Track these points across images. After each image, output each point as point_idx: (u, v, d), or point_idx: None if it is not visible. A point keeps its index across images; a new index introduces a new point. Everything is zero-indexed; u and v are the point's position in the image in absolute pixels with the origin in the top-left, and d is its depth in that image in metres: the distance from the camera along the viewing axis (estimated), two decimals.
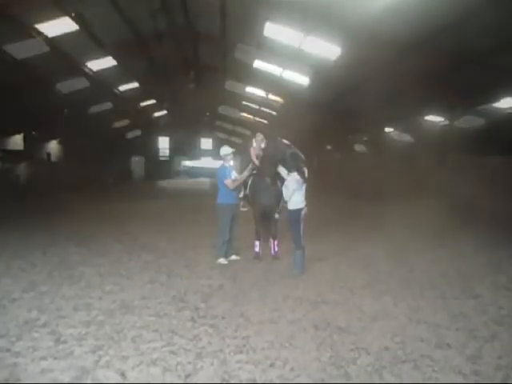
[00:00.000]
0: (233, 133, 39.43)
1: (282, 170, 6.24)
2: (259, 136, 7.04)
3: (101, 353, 3.38)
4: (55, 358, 3.27)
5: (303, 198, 5.92)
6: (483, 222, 10.18)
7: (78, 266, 6.11)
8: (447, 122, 14.87)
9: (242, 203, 7.03)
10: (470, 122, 13.14)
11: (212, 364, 3.24)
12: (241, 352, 3.46)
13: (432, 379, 3.07)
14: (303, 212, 5.89)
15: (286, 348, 3.54)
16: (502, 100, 12.84)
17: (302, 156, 6.03)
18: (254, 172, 6.81)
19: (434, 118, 16.10)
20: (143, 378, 3.04)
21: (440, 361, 3.33)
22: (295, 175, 5.81)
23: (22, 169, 18.17)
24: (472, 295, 4.97)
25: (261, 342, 3.63)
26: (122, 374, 3.06)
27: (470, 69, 11.76)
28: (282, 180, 6.18)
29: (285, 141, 6.28)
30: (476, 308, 4.53)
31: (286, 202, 6.03)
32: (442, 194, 13.25)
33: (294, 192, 5.78)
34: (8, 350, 3.39)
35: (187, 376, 3.07)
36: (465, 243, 8.12)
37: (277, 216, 6.70)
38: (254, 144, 7.15)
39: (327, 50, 14.73)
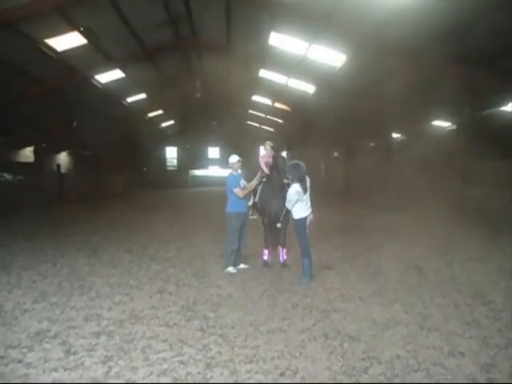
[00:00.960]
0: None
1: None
2: (268, 144, 7.06)
3: (111, 364, 3.39)
4: (66, 369, 3.28)
5: (308, 206, 5.90)
6: (496, 226, 10.04)
7: (88, 276, 6.14)
8: (455, 127, 14.79)
9: (250, 211, 7.03)
10: (477, 125, 13.04)
11: (222, 374, 3.23)
12: (251, 362, 3.44)
13: None
14: (308, 219, 5.87)
15: (297, 357, 3.51)
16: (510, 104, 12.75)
17: (304, 166, 5.96)
18: (264, 180, 6.82)
19: (442, 123, 16.03)
20: None
21: (453, 369, 3.27)
22: (297, 186, 5.77)
23: (32, 180, 18.41)
24: (484, 302, 4.89)
25: (271, 352, 3.61)
26: None
27: (476, 72, 11.73)
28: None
29: (283, 154, 6.23)
30: (489, 315, 4.46)
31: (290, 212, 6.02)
32: (453, 198, 13.14)
33: (297, 202, 5.78)
34: (20, 361, 3.42)
35: None
36: (476, 248, 8.02)
37: (278, 225, 6.55)
38: (264, 152, 7.17)
39: (332, 57, 14.83)
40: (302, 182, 5.80)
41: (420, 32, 10.84)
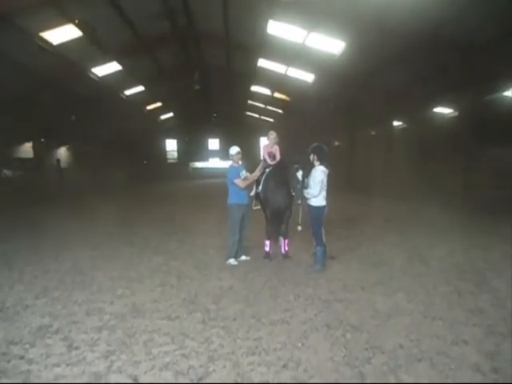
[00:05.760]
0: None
1: (299, 174, 5.94)
2: (272, 134, 6.95)
3: (113, 358, 3.38)
4: (68, 365, 3.27)
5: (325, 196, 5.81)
6: (499, 213, 9.98)
7: (90, 270, 6.13)
8: (457, 114, 14.63)
9: (253, 202, 6.96)
10: (479, 112, 12.87)
11: (224, 367, 3.22)
12: (253, 354, 3.42)
13: (449, 378, 2.99)
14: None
15: (299, 348, 3.50)
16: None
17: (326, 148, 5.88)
18: (267, 170, 6.71)
19: (443, 110, 15.84)
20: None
21: (457, 358, 3.25)
22: (321, 167, 5.70)
23: (32, 176, 18.37)
24: (488, 289, 4.86)
25: (273, 343, 3.60)
26: (135, 379, 3.05)
27: (477, 58, 11.56)
28: (298, 181, 5.89)
29: (299, 174, 5.92)
30: (493, 303, 4.42)
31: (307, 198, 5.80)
32: (455, 185, 13.06)
33: (322, 185, 5.64)
34: (22, 358, 3.41)
35: (200, 379, 3.04)
36: (479, 236, 7.98)
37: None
38: (267, 142, 7.07)
39: (331, 45, 14.65)
40: (325, 162, 5.73)
41: (420, 17, 10.64)
